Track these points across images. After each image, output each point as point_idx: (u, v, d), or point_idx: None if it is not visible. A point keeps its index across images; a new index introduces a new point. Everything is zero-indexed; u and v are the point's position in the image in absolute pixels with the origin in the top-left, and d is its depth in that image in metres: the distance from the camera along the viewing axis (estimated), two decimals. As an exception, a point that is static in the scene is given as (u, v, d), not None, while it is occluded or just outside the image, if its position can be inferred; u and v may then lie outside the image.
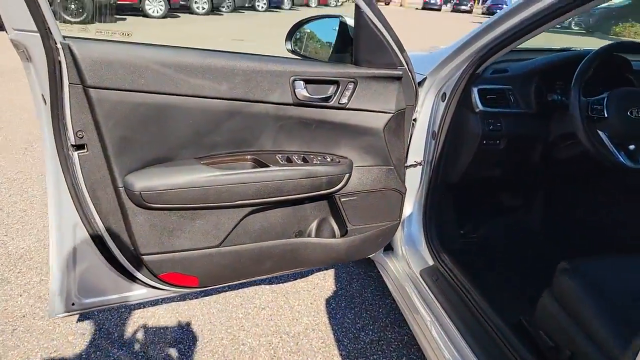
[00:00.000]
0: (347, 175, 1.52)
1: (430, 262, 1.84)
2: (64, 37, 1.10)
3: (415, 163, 1.82)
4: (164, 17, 13.18)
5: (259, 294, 2.23)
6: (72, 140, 1.16)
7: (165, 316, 2.03)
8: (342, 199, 1.59)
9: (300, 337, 1.99)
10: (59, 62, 1.09)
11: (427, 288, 1.74)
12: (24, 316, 1.95)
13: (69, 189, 1.23)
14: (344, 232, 1.67)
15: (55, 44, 1.08)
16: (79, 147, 1.19)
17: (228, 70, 1.26)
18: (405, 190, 1.71)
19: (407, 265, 1.90)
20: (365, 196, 1.63)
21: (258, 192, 1.37)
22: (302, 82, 1.37)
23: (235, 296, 2.21)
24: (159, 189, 1.23)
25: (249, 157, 1.42)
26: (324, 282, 2.37)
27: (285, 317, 2.09)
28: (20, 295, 2.07)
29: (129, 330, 1.95)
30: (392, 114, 1.52)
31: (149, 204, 1.25)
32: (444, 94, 1.71)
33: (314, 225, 1.66)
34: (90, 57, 1.10)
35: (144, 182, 1.22)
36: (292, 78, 1.35)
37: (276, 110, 1.37)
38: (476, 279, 1.68)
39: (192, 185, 1.27)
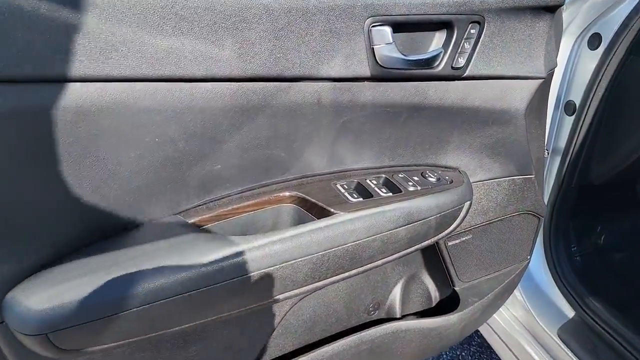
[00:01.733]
0: (467, 205, 0.80)
1: (569, 313, 1.17)
2: None
3: None
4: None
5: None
6: None
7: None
8: (449, 243, 0.89)
9: None
10: None
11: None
12: None
13: None
14: (450, 294, 0.97)
15: None
16: None
17: (236, 9, 0.52)
18: (545, 211, 1.02)
19: (527, 316, 1.22)
20: (484, 231, 0.93)
21: (316, 269, 0.65)
22: (388, 29, 0.63)
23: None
24: (95, 316, 0.51)
25: (287, 194, 0.70)
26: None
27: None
28: None
29: None
30: (541, 80, 0.81)
31: (76, 349, 0.52)
32: (596, 36, 1.00)
33: (397, 290, 0.95)
34: None
35: (53, 300, 0.49)
36: (368, 21, 0.61)
37: (337, 94, 0.65)
38: None
39: (180, 289, 0.54)
